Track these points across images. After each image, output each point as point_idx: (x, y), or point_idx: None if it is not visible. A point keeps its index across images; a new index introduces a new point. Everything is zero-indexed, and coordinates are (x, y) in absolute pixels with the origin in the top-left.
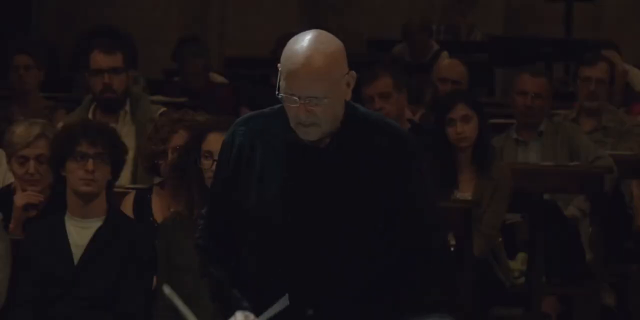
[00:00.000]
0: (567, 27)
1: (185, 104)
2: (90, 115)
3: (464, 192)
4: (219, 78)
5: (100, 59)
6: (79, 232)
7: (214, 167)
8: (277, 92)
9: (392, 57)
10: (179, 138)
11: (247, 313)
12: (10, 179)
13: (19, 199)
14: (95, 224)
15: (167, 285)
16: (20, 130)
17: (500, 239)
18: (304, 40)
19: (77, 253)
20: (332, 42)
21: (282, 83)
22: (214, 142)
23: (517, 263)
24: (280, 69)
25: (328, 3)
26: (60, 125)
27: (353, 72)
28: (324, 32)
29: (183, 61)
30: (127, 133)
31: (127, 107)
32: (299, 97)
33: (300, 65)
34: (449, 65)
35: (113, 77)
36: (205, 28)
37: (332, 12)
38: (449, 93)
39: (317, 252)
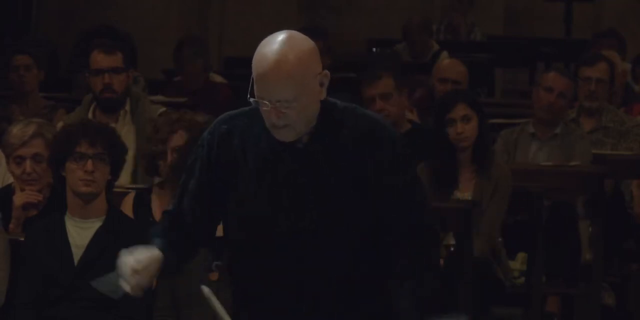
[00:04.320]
0: (567, 27)
1: (185, 104)
2: (90, 115)
3: (464, 192)
4: (218, 78)
5: (100, 59)
6: (79, 233)
7: None
8: (248, 96)
9: (391, 54)
10: (179, 138)
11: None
12: (11, 179)
13: (18, 199)
14: (95, 224)
15: (205, 286)
16: (16, 130)
17: (500, 239)
18: (274, 43)
19: (77, 253)
20: (302, 44)
21: (254, 87)
22: None
23: (517, 263)
24: (253, 72)
25: (328, 3)
26: (60, 125)
27: (326, 72)
28: (294, 33)
29: (183, 61)
30: (127, 133)
31: (127, 107)
32: (270, 101)
33: (269, 70)
34: (449, 65)
35: (113, 77)
36: (204, 28)
37: (332, 12)
38: (449, 93)
39: (301, 248)
